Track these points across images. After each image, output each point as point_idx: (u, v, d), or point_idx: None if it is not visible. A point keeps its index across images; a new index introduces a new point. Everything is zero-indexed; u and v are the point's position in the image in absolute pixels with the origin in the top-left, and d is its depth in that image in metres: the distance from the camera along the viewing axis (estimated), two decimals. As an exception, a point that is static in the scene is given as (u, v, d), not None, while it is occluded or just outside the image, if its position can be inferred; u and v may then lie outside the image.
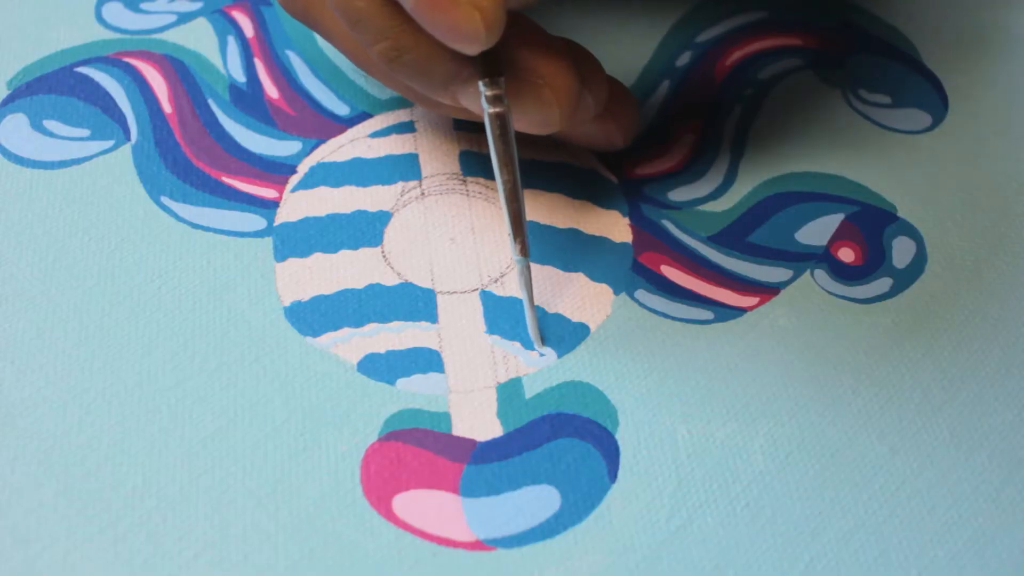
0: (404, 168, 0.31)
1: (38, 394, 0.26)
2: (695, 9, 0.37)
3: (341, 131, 0.32)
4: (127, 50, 0.34)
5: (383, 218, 0.30)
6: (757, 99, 0.34)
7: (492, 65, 0.25)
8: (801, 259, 0.30)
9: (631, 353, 0.28)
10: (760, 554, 0.24)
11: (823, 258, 0.30)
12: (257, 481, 0.25)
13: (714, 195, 0.31)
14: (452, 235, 0.30)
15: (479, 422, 0.26)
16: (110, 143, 0.32)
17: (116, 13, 0.35)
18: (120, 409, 0.26)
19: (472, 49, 0.24)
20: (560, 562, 0.24)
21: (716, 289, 0.29)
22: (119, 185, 0.31)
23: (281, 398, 0.26)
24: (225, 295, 0.28)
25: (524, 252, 0.27)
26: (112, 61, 0.34)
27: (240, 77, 0.34)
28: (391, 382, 0.27)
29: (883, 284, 0.29)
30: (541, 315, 0.28)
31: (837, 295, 0.29)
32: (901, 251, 0.30)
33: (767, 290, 0.29)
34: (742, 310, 0.29)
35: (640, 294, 0.29)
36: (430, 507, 0.25)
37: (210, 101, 0.33)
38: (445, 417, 0.26)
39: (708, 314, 0.29)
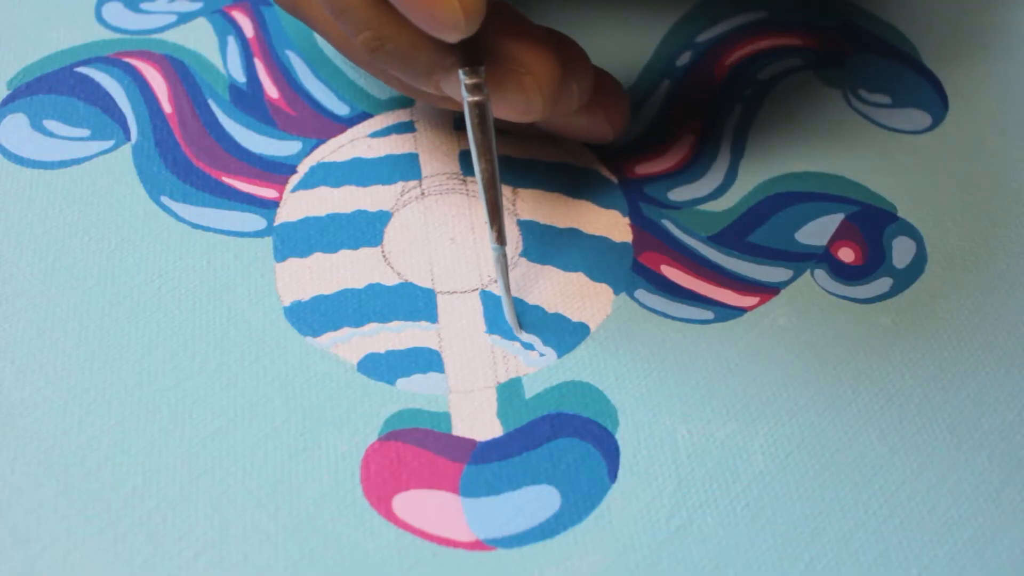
0: (404, 168, 0.31)
1: (38, 394, 0.26)
2: (695, 9, 0.37)
3: (341, 131, 0.32)
4: (127, 50, 0.34)
5: (383, 218, 0.30)
6: (757, 99, 0.34)
7: (472, 54, 0.25)
8: (801, 259, 0.30)
9: (631, 353, 0.28)
10: (760, 554, 0.24)
11: (823, 258, 0.30)
12: (257, 481, 0.25)
13: (714, 195, 0.31)
14: (452, 235, 0.30)
15: (479, 422, 0.26)
16: (110, 143, 0.32)
17: (116, 13, 0.35)
18: (120, 409, 0.26)
19: (452, 37, 0.24)
20: (560, 562, 0.24)
21: (716, 289, 0.29)
22: (119, 185, 0.31)
23: (281, 398, 0.26)
24: (225, 295, 0.28)
25: (501, 240, 0.27)
26: (112, 61, 0.34)
27: (240, 77, 0.34)
28: (391, 382, 0.27)
29: (883, 284, 0.29)
30: (541, 315, 0.28)
31: (837, 295, 0.29)
32: (901, 251, 0.30)
33: (767, 290, 0.29)
34: (742, 310, 0.29)
35: (640, 294, 0.29)
36: (430, 507, 0.25)
37: (210, 101, 0.33)
38: (445, 417, 0.26)
39: (708, 314, 0.29)
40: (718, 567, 0.24)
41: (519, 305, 0.28)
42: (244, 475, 0.25)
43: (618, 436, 0.26)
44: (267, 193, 0.31)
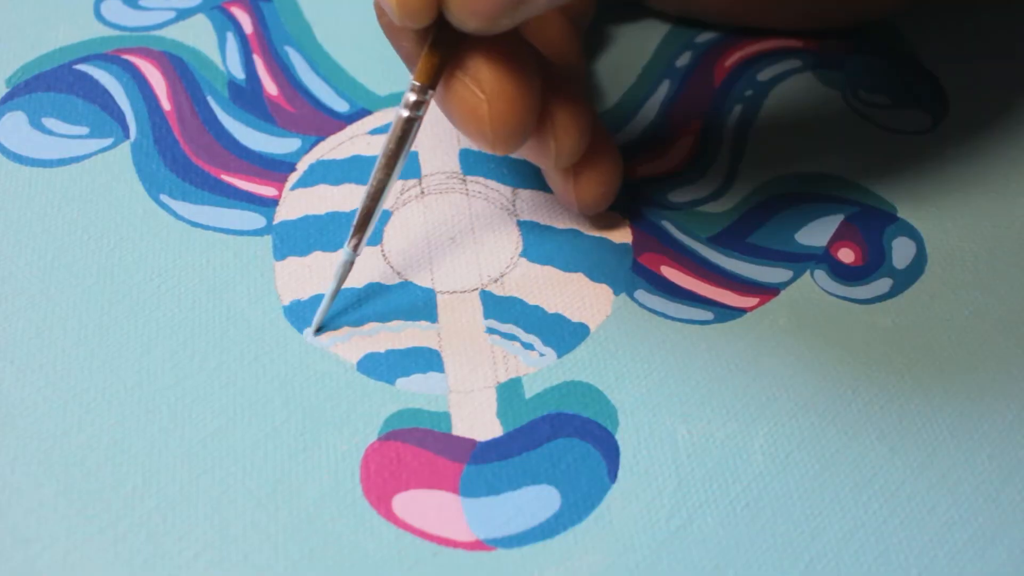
0: (404, 166, 0.31)
1: (38, 394, 0.26)
2: (695, 8, 0.37)
3: (340, 128, 0.32)
4: (126, 47, 0.34)
5: (382, 217, 0.30)
6: (757, 100, 0.34)
7: (426, 73, 0.24)
8: (801, 260, 0.30)
9: (631, 353, 0.28)
10: (760, 554, 0.24)
11: (823, 259, 0.30)
12: (257, 481, 0.25)
13: (714, 196, 0.31)
14: (452, 234, 0.30)
15: (479, 422, 0.26)
16: (109, 141, 0.31)
17: (115, 10, 0.35)
18: (120, 409, 0.26)
19: (396, 21, 0.23)
20: (560, 562, 0.24)
21: (716, 290, 0.29)
22: (118, 183, 0.30)
23: (281, 398, 0.26)
24: (224, 294, 0.28)
25: (356, 249, 0.26)
26: (111, 58, 0.34)
27: (239, 74, 0.34)
28: (391, 382, 0.27)
29: (883, 284, 0.29)
30: (541, 315, 0.28)
31: (837, 296, 0.29)
32: (901, 251, 0.30)
33: (767, 291, 0.29)
34: (742, 311, 0.29)
35: (640, 294, 0.29)
36: (430, 507, 0.25)
37: (209, 98, 0.33)
38: (445, 417, 0.26)
39: (708, 314, 0.29)
40: (718, 567, 0.24)
41: (519, 305, 0.28)
42: (244, 475, 0.25)
43: (618, 436, 0.26)
44: (266, 191, 0.31)
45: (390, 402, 0.27)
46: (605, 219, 0.30)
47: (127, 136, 0.32)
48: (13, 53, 0.34)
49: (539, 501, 0.25)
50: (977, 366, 0.28)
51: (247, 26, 0.35)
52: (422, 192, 0.31)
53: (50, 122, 0.32)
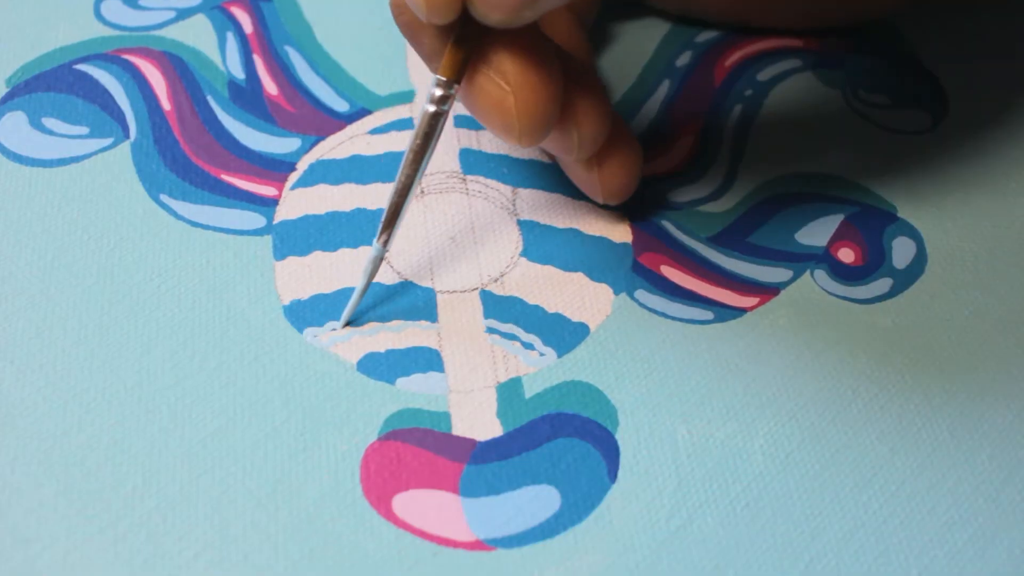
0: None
1: (38, 394, 0.26)
2: (695, 8, 0.37)
3: (340, 128, 0.32)
4: (126, 47, 0.34)
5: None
6: (757, 100, 0.34)
7: (451, 67, 0.25)
8: (801, 259, 0.30)
9: (631, 353, 0.28)
10: (760, 554, 0.24)
11: (823, 258, 0.30)
12: (257, 481, 0.25)
13: (714, 195, 0.31)
14: (452, 234, 0.30)
15: (479, 422, 0.26)
16: (109, 141, 0.31)
17: (115, 10, 0.35)
18: (120, 408, 0.26)
19: (422, 17, 0.23)
20: (560, 562, 0.24)
21: (716, 289, 0.29)
22: (118, 183, 0.30)
23: (281, 397, 0.26)
24: (224, 294, 0.28)
25: (386, 245, 0.27)
26: (111, 58, 0.34)
27: (239, 74, 0.34)
28: (391, 381, 0.27)
29: (883, 284, 0.29)
30: (541, 315, 0.28)
31: (837, 295, 0.29)
32: (901, 251, 0.30)
33: (767, 290, 0.29)
34: (742, 310, 0.29)
35: (640, 294, 0.29)
36: (430, 507, 0.25)
37: (209, 98, 0.33)
38: (445, 417, 0.26)
39: (708, 314, 0.29)
40: (718, 567, 0.24)
41: (519, 305, 0.28)
42: (244, 475, 0.25)
43: (618, 436, 0.26)
44: (266, 191, 0.31)
45: (390, 402, 0.27)
46: (605, 219, 0.30)
47: (127, 136, 0.32)
48: (13, 53, 0.33)
49: (539, 501, 0.25)
50: (977, 366, 0.28)
51: (247, 26, 0.35)
52: (422, 192, 0.31)
53: (50, 122, 0.32)
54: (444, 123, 0.26)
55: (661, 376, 0.27)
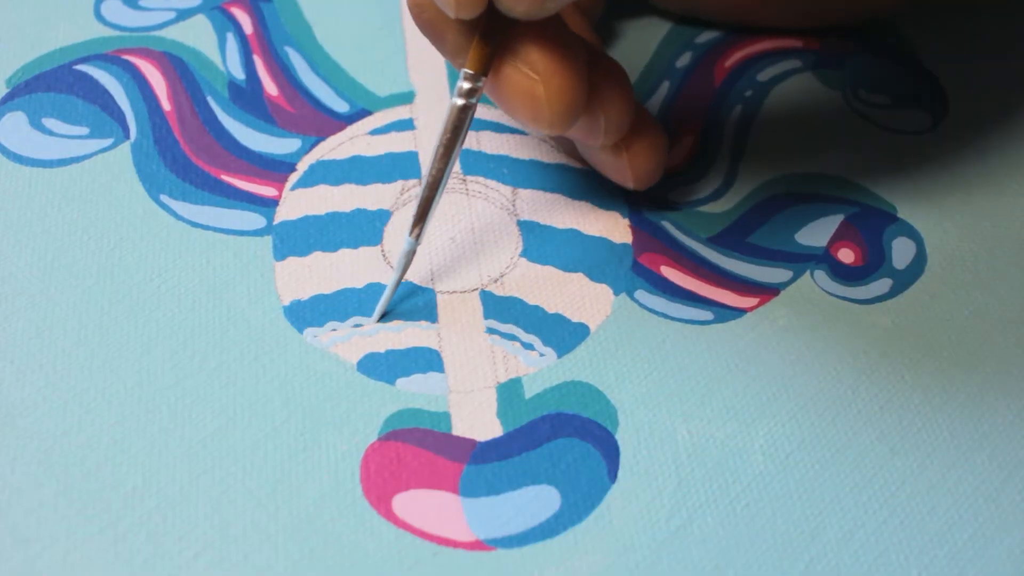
0: (404, 166, 0.31)
1: (38, 394, 0.26)
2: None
3: (340, 128, 0.32)
4: (126, 47, 0.34)
5: (383, 217, 0.30)
6: (757, 100, 0.34)
7: (478, 60, 0.25)
8: (801, 260, 0.30)
9: (631, 353, 0.28)
10: (760, 554, 0.24)
11: (823, 259, 0.30)
12: (257, 481, 0.25)
13: (714, 196, 0.31)
14: (452, 234, 0.30)
15: (479, 422, 0.26)
16: (109, 141, 0.31)
17: (115, 10, 0.35)
18: (120, 408, 0.26)
19: (451, 13, 0.24)
20: (560, 562, 0.24)
21: (716, 290, 0.29)
22: (118, 183, 0.30)
23: (281, 398, 0.26)
24: (224, 294, 0.28)
25: (418, 239, 0.27)
26: (111, 59, 0.34)
27: (239, 74, 0.34)
28: (391, 382, 0.27)
29: (883, 285, 0.29)
30: (541, 315, 0.28)
31: (837, 296, 0.29)
32: (901, 252, 0.30)
33: (767, 291, 0.29)
34: (742, 311, 0.29)
35: (640, 294, 0.29)
36: (430, 507, 0.25)
37: (209, 99, 0.33)
38: (445, 417, 0.26)
39: (708, 315, 0.29)
40: (718, 567, 0.24)
41: (519, 305, 0.28)
42: (244, 475, 0.25)
43: (618, 436, 0.26)
44: (266, 191, 0.31)
45: (390, 402, 0.27)
46: (605, 219, 0.30)
47: (127, 136, 0.32)
48: (13, 53, 0.34)
49: (539, 501, 0.25)
50: (977, 366, 0.28)
51: (247, 26, 0.35)
52: (422, 192, 0.31)
53: (50, 122, 0.32)
54: (472, 116, 0.26)
55: (661, 376, 0.27)
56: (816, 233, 0.30)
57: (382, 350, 0.27)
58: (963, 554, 0.24)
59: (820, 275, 0.29)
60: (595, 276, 0.29)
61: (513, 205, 0.31)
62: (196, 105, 0.33)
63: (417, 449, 0.26)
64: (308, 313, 0.28)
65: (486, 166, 0.32)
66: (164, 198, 0.30)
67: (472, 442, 0.26)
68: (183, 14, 0.35)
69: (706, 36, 0.36)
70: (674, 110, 0.33)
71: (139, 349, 0.27)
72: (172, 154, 0.31)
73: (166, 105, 0.32)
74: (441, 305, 0.28)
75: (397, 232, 0.30)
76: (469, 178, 0.31)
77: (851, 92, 0.34)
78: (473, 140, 0.32)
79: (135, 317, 0.28)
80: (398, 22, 0.36)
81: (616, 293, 0.29)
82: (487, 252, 0.30)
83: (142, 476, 0.25)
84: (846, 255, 0.30)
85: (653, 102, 0.34)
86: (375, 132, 0.32)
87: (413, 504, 0.25)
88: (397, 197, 0.31)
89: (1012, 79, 0.35)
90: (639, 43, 0.35)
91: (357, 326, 0.28)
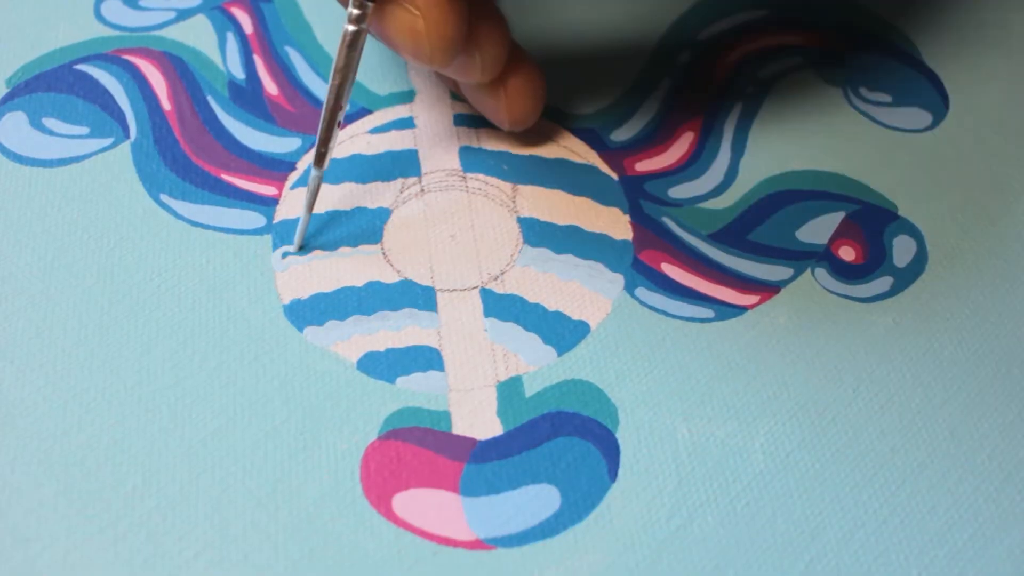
0: (404, 164, 0.31)
1: (38, 393, 0.26)
2: (696, 6, 0.36)
3: (340, 128, 0.32)
4: (126, 47, 0.34)
5: (383, 215, 0.30)
6: (758, 97, 0.34)
7: None
8: (802, 257, 0.30)
9: (631, 351, 0.28)
10: (760, 554, 0.24)
11: (824, 256, 0.30)
12: (257, 481, 0.25)
13: (715, 193, 0.31)
14: (452, 232, 0.30)
15: (479, 421, 0.26)
16: (109, 141, 0.31)
17: (115, 10, 0.35)
18: (120, 408, 0.26)
19: None
20: (560, 561, 0.24)
21: (716, 287, 0.29)
22: (118, 183, 0.30)
23: (281, 397, 0.26)
24: (224, 293, 0.28)
25: (319, 164, 0.28)
26: (111, 58, 0.34)
27: (239, 74, 0.34)
28: (391, 380, 0.27)
29: (884, 283, 0.29)
30: (541, 312, 0.28)
31: (838, 294, 0.29)
32: (902, 250, 0.30)
33: (768, 288, 0.29)
34: (743, 308, 0.29)
35: (640, 292, 0.29)
36: (430, 506, 0.25)
37: (209, 98, 0.33)
38: (445, 416, 0.26)
39: (708, 312, 0.29)
40: (718, 567, 0.24)
41: (519, 304, 0.28)
42: (244, 475, 0.25)
43: (618, 435, 0.26)
44: (266, 190, 0.31)
45: (390, 401, 0.27)
46: (605, 216, 0.30)
47: (127, 136, 0.32)
48: (13, 53, 0.34)
49: (539, 500, 0.25)
50: (977, 366, 0.28)
51: (247, 26, 0.35)
52: (422, 190, 0.31)
53: (50, 122, 0.32)
54: (364, 41, 0.27)
55: (661, 374, 0.27)
56: (817, 231, 0.30)
57: (382, 349, 0.27)
58: (963, 554, 0.24)
59: (821, 273, 0.29)
60: (595, 273, 0.29)
61: (513, 202, 0.31)
62: (196, 105, 0.32)
63: (417, 448, 0.26)
64: (308, 312, 0.28)
65: (486, 163, 0.32)
66: (164, 197, 0.30)
67: (472, 441, 0.26)
68: (183, 14, 0.35)
69: (707, 33, 0.36)
70: (675, 107, 0.33)
71: (139, 349, 0.27)
72: (172, 153, 0.31)
73: (166, 105, 0.32)
74: (441, 303, 0.28)
75: (397, 230, 0.30)
76: (469, 175, 0.31)
77: (852, 90, 0.34)
78: (473, 138, 0.32)
79: (135, 317, 0.28)
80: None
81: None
82: (487, 249, 0.30)
83: (142, 476, 0.25)
84: (847, 253, 0.30)
85: (654, 99, 0.34)
86: (375, 131, 0.32)
87: (413, 503, 0.25)
88: (397, 195, 0.31)
89: (1012, 78, 0.35)
90: (640, 40, 0.35)
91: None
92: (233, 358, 0.27)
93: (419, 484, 0.25)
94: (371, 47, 0.34)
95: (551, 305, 0.29)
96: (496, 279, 0.29)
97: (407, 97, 0.33)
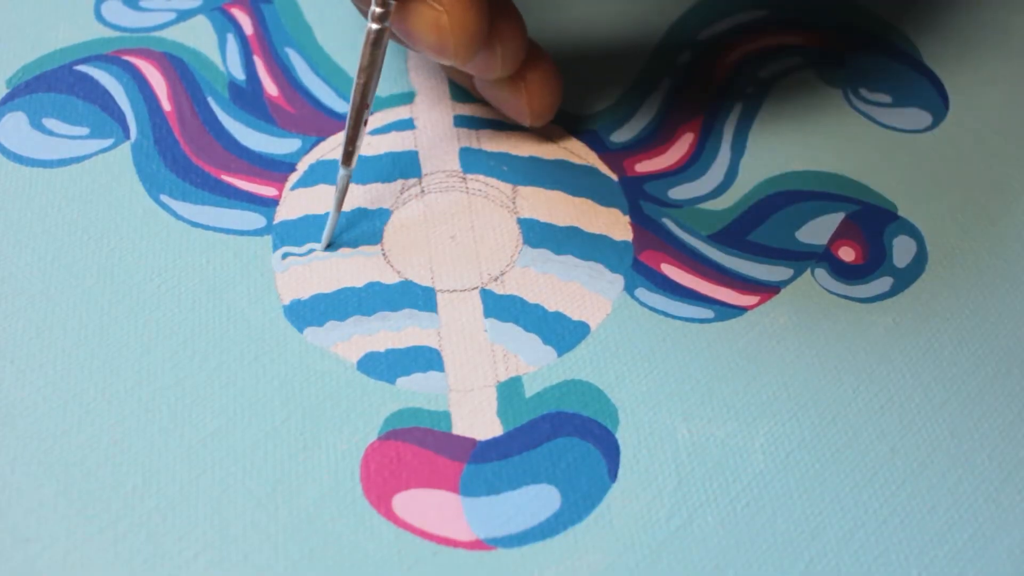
0: (404, 165, 0.31)
1: (38, 394, 0.26)
2: (696, 7, 0.37)
3: (340, 128, 0.32)
4: (126, 48, 0.34)
5: (383, 216, 0.30)
6: (758, 97, 0.34)
7: None
8: (802, 258, 0.30)
9: (631, 352, 0.28)
10: (760, 554, 0.24)
11: (824, 257, 0.30)
12: (257, 481, 0.25)
13: (715, 193, 0.31)
14: (452, 233, 0.30)
15: (479, 421, 0.26)
16: (109, 141, 0.31)
17: (115, 11, 0.35)
18: (120, 408, 0.26)
19: None
20: (560, 561, 0.24)
21: (716, 288, 0.29)
22: (118, 183, 0.30)
23: (281, 397, 0.26)
24: (225, 294, 0.28)
25: (347, 163, 0.28)
26: (111, 59, 0.34)
27: (239, 75, 0.34)
28: (391, 381, 0.27)
29: (883, 283, 0.29)
30: (541, 313, 0.28)
31: (838, 294, 0.29)
32: (901, 250, 0.30)
33: (767, 289, 0.29)
34: (742, 309, 0.29)
35: (640, 292, 0.29)
36: (430, 506, 0.25)
37: (209, 99, 0.33)
38: (445, 416, 0.26)
39: (708, 313, 0.29)
40: (718, 567, 0.24)
41: (519, 304, 0.28)
42: (244, 475, 0.25)
43: (618, 435, 0.26)
44: (266, 191, 0.31)
45: (390, 401, 0.27)
46: (605, 217, 0.30)
47: (127, 136, 0.32)
48: (13, 53, 0.34)
49: (539, 500, 0.25)
50: (977, 366, 0.28)
51: (247, 27, 0.35)
52: (422, 191, 0.31)
53: (50, 122, 0.32)
54: (387, 39, 0.27)
55: (661, 375, 0.27)
56: (817, 231, 0.30)
57: (382, 349, 0.27)
58: (963, 554, 0.24)
59: (821, 273, 0.29)
60: (595, 274, 0.29)
61: (513, 203, 0.31)
62: (196, 105, 0.33)
63: (417, 448, 0.26)
64: (308, 312, 0.28)
65: (486, 164, 0.32)
66: (164, 198, 0.30)
67: (472, 441, 0.26)
68: (183, 15, 0.35)
69: (707, 33, 0.36)
70: (675, 107, 0.33)
71: (139, 349, 0.27)
72: (172, 154, 0.31)
73: (166, 105, 0.32)
74: (441, 304, 0.28)
75: (397, 231, 0.30)
76: (469, 176, 0.31)
77: (852, 90, 0.34)
78: (473, 139, 0.32)
79: (135, 317, 0.28)
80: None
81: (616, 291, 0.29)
82: (487, 250, 0.30)
83: (142, 476, 0.25)
84: (847, 253, 0.30)
85: (654, 99, 0.34)
86: (375, 132, 0.32)
87: (413, 503, 0.25)
88: (397, 196, 0.31)
89: (1012, 78, 0.35)
90: (640, 40, 0.35)
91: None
92: (233, 358, 0.27)
93: (419, 484, 0.25)
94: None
95: (551, 306, 0.29)
96: (496, 280, 0.29)
97: (407, 98, 0.33)
